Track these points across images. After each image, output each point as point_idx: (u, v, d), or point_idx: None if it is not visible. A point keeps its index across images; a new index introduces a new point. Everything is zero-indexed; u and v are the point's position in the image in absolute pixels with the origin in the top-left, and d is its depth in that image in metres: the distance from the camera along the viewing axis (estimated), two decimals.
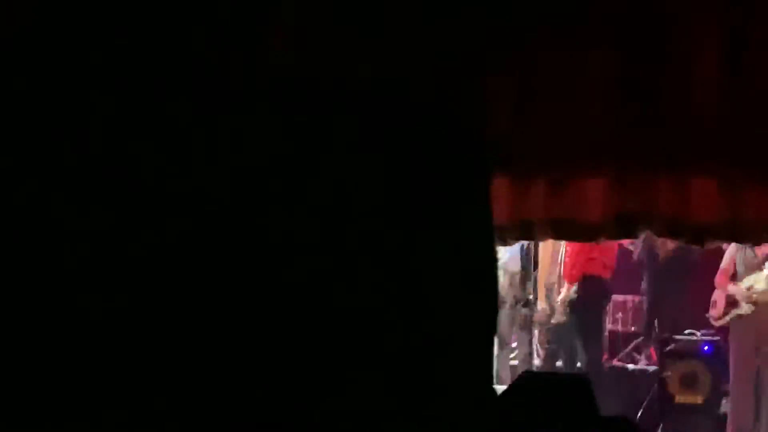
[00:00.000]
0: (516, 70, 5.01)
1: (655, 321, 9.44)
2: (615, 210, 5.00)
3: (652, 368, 9.10)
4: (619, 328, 9.92)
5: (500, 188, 5.02)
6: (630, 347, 9.71)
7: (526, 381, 4.49)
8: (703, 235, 4.98)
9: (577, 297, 8.74)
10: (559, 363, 9.08)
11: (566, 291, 8.83)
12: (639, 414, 8.71)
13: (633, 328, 9.84)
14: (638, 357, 9.56)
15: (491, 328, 0.99)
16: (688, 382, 8.61)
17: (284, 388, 0.89)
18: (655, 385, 8.73)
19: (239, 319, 0.89)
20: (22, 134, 0.91)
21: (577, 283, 8.74)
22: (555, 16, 4.98)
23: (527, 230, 5.13)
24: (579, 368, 8.75)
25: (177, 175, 0.91)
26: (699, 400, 8.61)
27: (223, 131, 0.91)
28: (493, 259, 0.99)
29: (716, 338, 8.67)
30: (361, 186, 0.93)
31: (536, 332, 9.18)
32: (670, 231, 5.01)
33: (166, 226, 0.90)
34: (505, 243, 5.38)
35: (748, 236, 5.06)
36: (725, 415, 8.43)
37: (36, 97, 0.92)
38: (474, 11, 4.97)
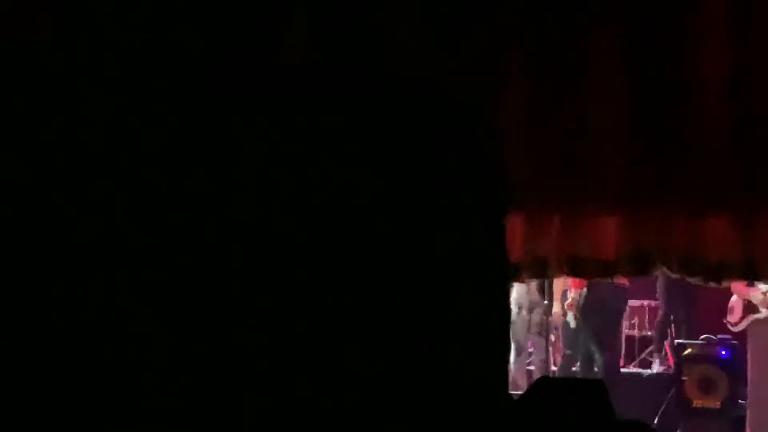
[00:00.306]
0: (528, 105, 4.99)
1: (672, 326, 9.44)
2: (629, 247, 4.98)
3: (669, 373, 9.12)
4: (636, 332, 9.95)
5: (514, 226, 5.01)
6: (646, 352, 9.73)
7: (542, 386, 4.52)
8: (718, 272, 4.96)
9: (585, 301, 8.78)
10: (575, 368, 9.10)
11: (573, 295, 8.87)
12: (656, 418, 8.73)
13: (649, 333, 9.85)
14: (654, 362, 9.58)
15: (501, 325, 0.97)
16: (706, 387, 8.63)
17: (283, 392, 0.89)
18: (673, 389, 8.76)
19: (239, 321, 0.89)
20: (28, 136, 0.91)
21: (584, 288, 8.77)
22: (567, 52, 4.96)
23: (541, 268, 5.12)
24: (595, 373, 8.77)
25: (177, 173, 0.90)
26: (716, 404, 8.63)
27: (226, 130, 0.91)
28: (500, 259, 0.98)
29: (733, 342, 8.68)
30: (365, 183, 0.91)
31: (552, 338, 9.19)
32: (685, 269, 4.99)
33: (165, 225, 0.89)
34: (519, 280, 5.38)
35: (765, 274, 5.04)
36: (743, 419, 8.46)
37: (43, 99, 0.92)
38: (485, 41, 4.96)
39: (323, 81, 0.97)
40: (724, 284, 5.18)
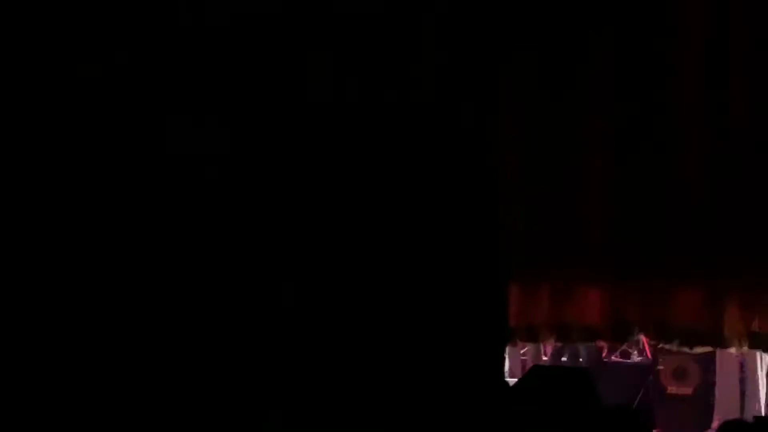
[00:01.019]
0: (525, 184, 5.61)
1: None
2: (612, 316, 5.71)
3: (646, 362, 9.72)
4: None
5: (509, 295, 5.76)
6: (626, 344, 10.28)
7: (535, 374, 5.11)
8: (690, 340, 5.68)
9: None
10: (564, 358, 9.63)
11: None
12: (635, 404, 9.35)
13: None
14: (632, 353, 10.16)
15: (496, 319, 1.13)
16: (679, 375, 9.25)
17: (283, 391, 1.02)
18: (650, 377, 9.34)
19: (239, 320, 1.00)
20: (30, 137, 1.04)
21: None
22: (559, 132, 5.57)
23: (533, 334, 5.89)
24: (581, 363, 9.26)
25: (179, 173, 1.04)
26: (689, 391, 9.20)
27: (227, 130, 1.04)
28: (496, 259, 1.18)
29: None
30: (364, 186, 1.05)
31: None
32: (660, 336, 5.74)
33: (166, 225, 1.03)
34: (513, 344, 6.13)
35: (731, 343, 5.77)
36: (712, 404, 9.13)
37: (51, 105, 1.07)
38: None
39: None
40: (696, 350, 5.92)
